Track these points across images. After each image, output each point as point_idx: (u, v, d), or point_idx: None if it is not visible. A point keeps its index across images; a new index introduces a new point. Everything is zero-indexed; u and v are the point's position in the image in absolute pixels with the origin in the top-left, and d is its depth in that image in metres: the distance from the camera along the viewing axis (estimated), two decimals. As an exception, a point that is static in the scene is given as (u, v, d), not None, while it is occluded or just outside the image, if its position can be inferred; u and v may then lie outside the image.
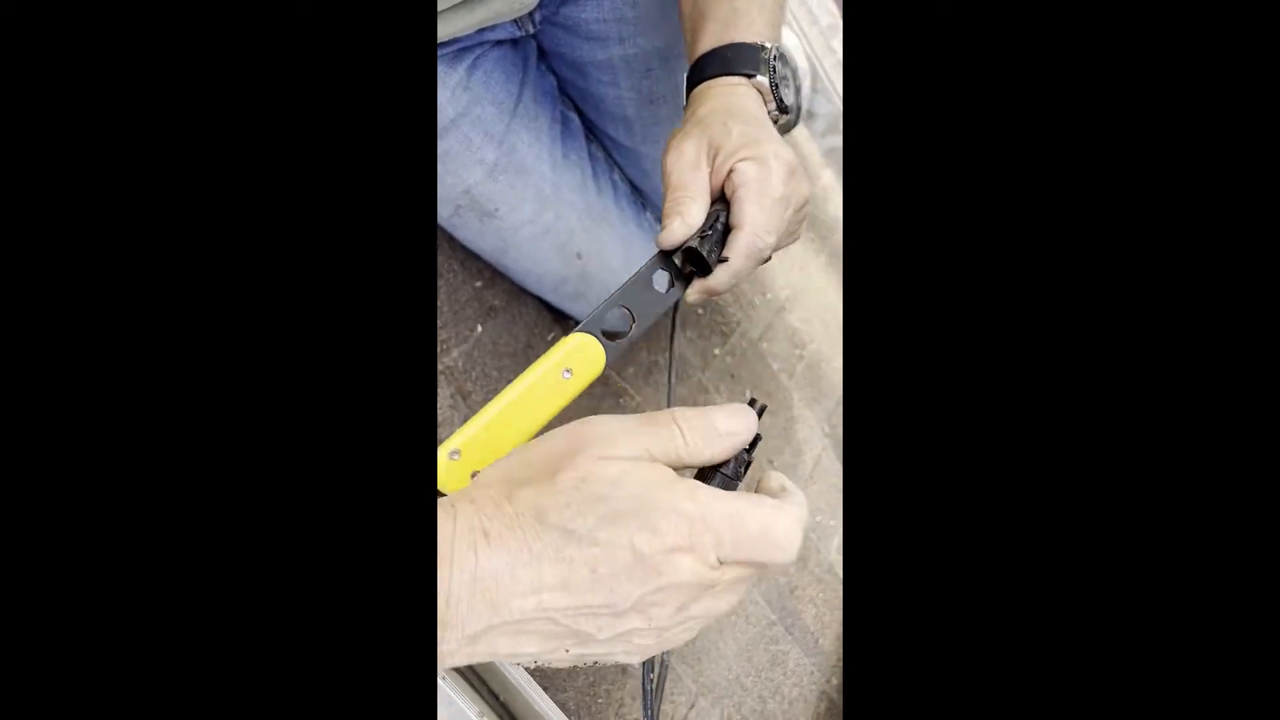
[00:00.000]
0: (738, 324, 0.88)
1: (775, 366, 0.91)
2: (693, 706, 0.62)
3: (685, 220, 0.34)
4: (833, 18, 1.08)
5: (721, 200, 0.36)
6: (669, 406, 0.42)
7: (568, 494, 0.20)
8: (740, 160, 0.35)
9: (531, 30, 0.51)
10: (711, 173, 0.35)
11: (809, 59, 0.99)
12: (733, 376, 0.84)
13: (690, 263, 0.35)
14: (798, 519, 0.23)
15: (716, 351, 0.84)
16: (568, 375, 0.33)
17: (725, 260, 0.35)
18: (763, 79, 0.38)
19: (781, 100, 0.39)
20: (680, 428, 0.23)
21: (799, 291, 1.01)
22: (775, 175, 0.35)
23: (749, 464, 0.26)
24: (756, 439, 0.26)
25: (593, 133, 0.57)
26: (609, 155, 0.58)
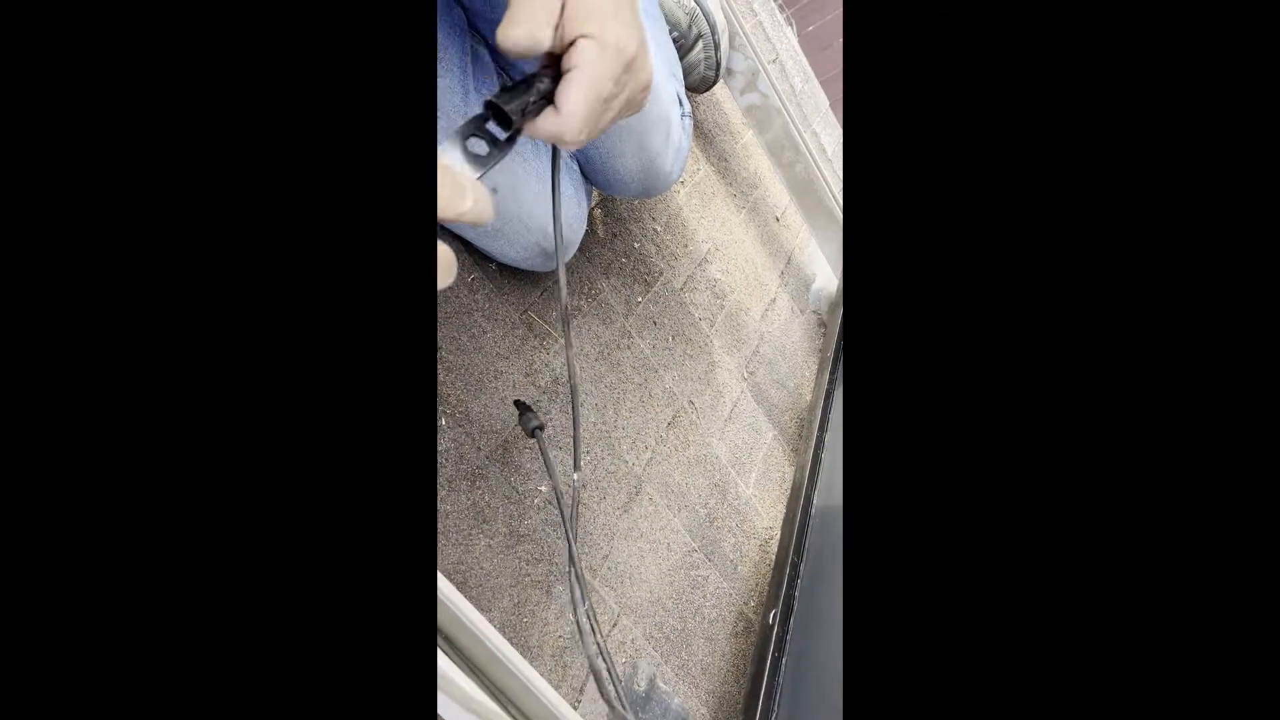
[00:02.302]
0: (660, 274, 0.91)
1: (696, 315, 0.94)
2: (615, 625, 0.66)
3: (534, 39, 0.33)
4: (751, -23, 1.10)
5: (551, 60, 0.35)
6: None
7: None
8: (583, 37, 0.34)
9: None
10: (558, 26, 0.34)
11: (727, 16, 1.01)
12: (655, 323, 0.87)
13: (495, 116, 0.35)
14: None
15: (639, 299, 0.87)
16: None
17: (521, 122, 0.35)
18: None
19: None
20: None
21: (720, 244, 1.05)
22: (609, 68, 0.34)
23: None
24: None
25: (503, 67, 0.58)
26: None
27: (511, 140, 0.35)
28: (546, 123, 0.35)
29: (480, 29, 0.57)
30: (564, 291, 0.42)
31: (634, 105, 0.39)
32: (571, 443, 0.70)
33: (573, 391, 0.42)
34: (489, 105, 0.34)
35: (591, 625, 0.42)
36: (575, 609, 0.42)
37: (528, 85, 0.35)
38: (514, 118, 0.34)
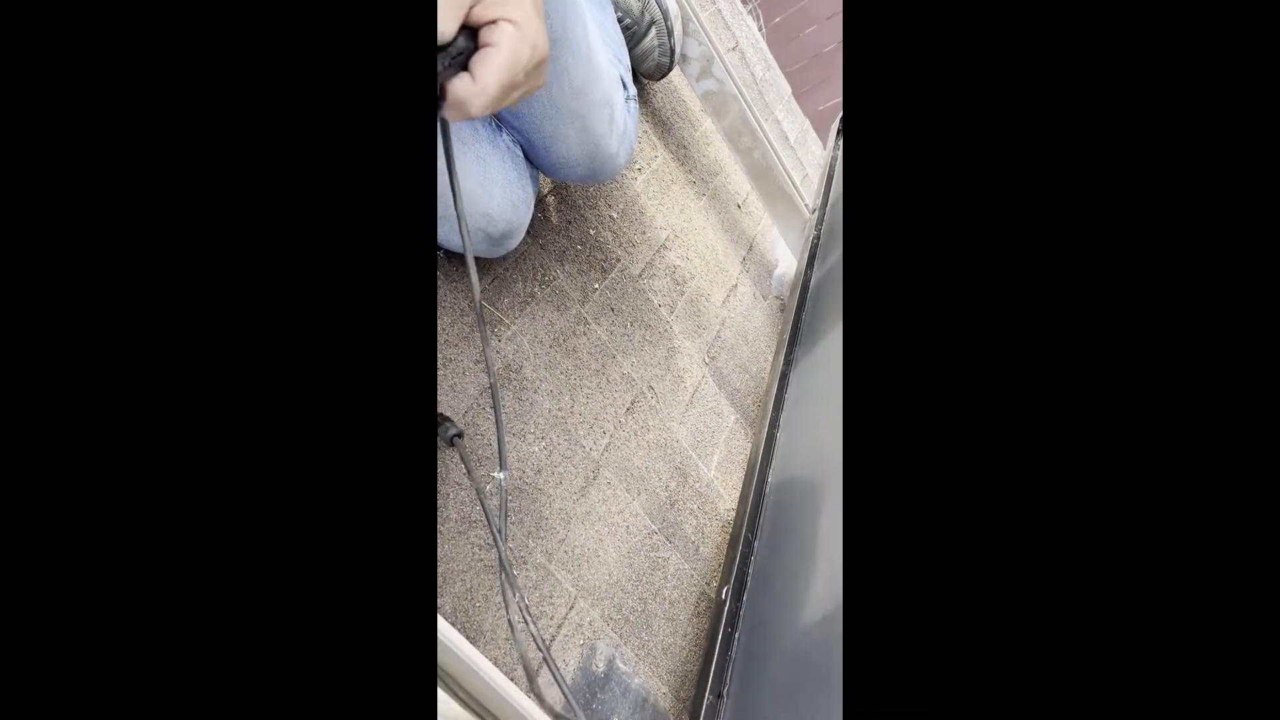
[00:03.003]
0: (617, 260, 0.91)
1: (656, 301, 0.94)
2: (572, 607, 0.66)
3: (440, 35, 0.33)
4: (704, -36, 1.10)
5: (467, 31, 0.36)
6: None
7: None
8: (507, 20, 0.35)
9: None
10: (472, 6, 0.35)
11: (680, 2, 1.01)
12: (613, 310, 0.87)
13: None
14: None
15: (596, 286, 0.87)
16: None
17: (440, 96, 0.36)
18: None
19: None
20: None
21: (679, 232, 1.05)
22: (525, 57, 0.36)
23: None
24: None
25: None
26: None
27: (440, 96, 0.36)
28: (459, 86, 0.35)
29: None
30: (476, 286, 0.42)
31: (526, 95, 0.40)
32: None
33: (493, 391, 0.42)
34: None
35: (525, 618, 0.42)
36: (506, 607, 0.42)
37: (445, 45, 0.35)
38: (438, 70, 0.34)
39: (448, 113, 0.36)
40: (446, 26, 0.33)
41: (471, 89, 0.35)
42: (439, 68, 0.35)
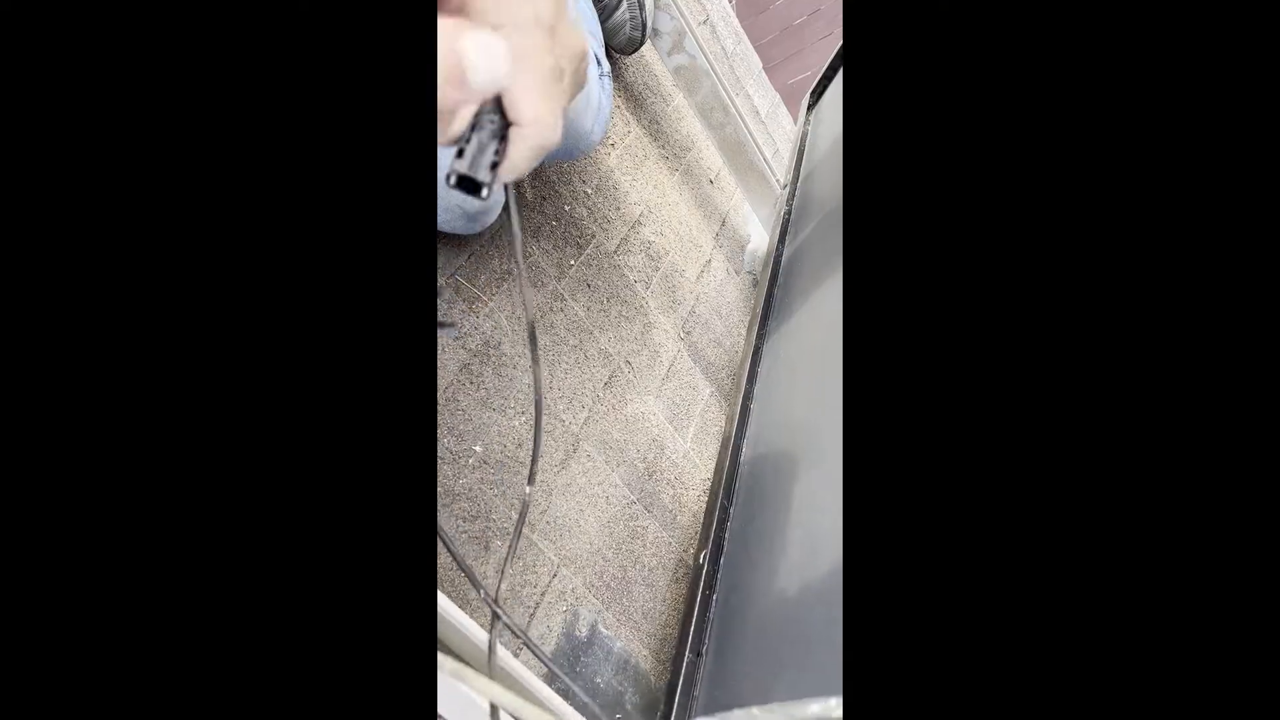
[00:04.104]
0: (593, 237, 0.92)
1: (631, 277, 0.96)
2: (555, 575, 0.68)
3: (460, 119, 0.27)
4: (675, -65, 1.10)
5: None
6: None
7: None
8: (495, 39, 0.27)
9: None
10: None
11: (651, -25, 1.01)
12: (589, 286, 0.88)
13: (462, 187, 0.29)
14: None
15: (572, 262, 0.87)
16: None
17: (497, 165, 0.29)
18: None
19: None
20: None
21: (654, 207, 1.06)
22: (535, 40, 0.28)
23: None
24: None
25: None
26: None
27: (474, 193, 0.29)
28: (519, 148, 0.29)
29: None
30: (517, 226, 0.37)
31: (580, 77, 0.32)
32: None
33: (531, 332, 0.42)
34: (461, 182, 0.28)
35: (504, 571, 0.44)
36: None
37: (475, 128, 0.28)
38: (484, 181, 0.28)
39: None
40: (453, 99, 0.26)
41: (531, 131, 0.28)
42: (492, 163, 0.28)
